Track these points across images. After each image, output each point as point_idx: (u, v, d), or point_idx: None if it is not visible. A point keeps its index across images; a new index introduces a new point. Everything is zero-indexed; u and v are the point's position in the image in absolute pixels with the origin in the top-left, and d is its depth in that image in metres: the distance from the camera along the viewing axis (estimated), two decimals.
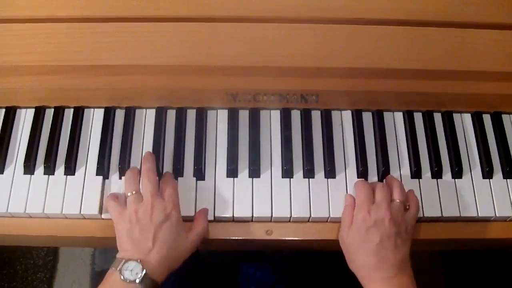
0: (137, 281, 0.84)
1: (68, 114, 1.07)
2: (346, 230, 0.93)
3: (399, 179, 1.02)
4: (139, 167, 1.00)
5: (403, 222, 0.92)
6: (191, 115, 1.07)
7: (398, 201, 0.93)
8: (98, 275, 1.79)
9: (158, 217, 0.89)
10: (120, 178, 1.01)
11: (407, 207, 0.95)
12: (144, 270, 0.85)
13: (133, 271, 0.85)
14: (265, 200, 0.99)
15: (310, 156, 1.03)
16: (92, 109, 1.08)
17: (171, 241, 0.89)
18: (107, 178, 1.02)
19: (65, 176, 1.01)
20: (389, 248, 0.88)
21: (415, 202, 0.96)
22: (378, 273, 0.88)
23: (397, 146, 1.05)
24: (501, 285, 1.69)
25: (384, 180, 1.01)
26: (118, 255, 0.90)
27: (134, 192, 0.93)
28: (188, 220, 0.95)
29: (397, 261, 0.88)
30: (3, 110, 1.07)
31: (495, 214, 1.00)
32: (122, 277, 0.84)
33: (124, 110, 1.07)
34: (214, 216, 0.98)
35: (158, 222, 0.89)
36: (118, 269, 0.85)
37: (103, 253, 1.84)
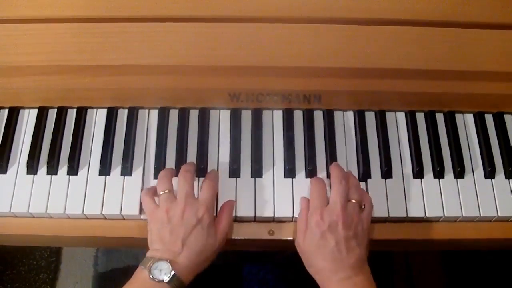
0: (166, 280, 0.85)
1: (71, 114, 1.07)
2: (301, 236, 0.93)
3: (402, 179, 1.02)
4: (141, 167, 1.02)
5: (358, 223, 0.91)
6: (193, 115, 1.07)
7: (353, 201, 0.92)
8: (101, 276, 1.79)
9: (190, 219, 0.89)
10: (122, 176, 1.02)
11: (363, 206, 0.94)
12: (173, 271, 0.85)
13: (163, 271, 0.85)
14: (268, 200, 0.99)
15: (312, 156, 1.03)
16: (95, 109, 1.08)
17: (200, 246, 0.89)
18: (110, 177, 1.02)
19: (68, 176, 1.01)
20: (344, 251, 0.88)
21: (369, 201, 0.96)
22: (334, 275, 0.88)
23: (399, 146, 1.06)
24: (502, 286, 1.69)
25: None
26: (148, 254, 0.90)
27: (166, 191, 0.93)
28: None
29: (353, 263, 0.88)
30: (7, 110, 1.08)
31: (497, 214, 1.00)
32: (151, 276, 0.85)
33: (127, 110, 1.08)
34: (216, 215, 0.98)
35: (189, 225, 0.89)
36: (147, 267, 0.86)
37: (106, 254, 1.83)
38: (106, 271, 1.79)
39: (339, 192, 0.92)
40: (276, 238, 0.99)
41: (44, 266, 1.86)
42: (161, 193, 0.93)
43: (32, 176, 1.01)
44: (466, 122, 1.09)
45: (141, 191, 0.99)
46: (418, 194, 1.01)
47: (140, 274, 0.87)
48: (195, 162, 1.02)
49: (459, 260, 1.73)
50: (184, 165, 0.97)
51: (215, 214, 0.97)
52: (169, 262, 0.86)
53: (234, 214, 0.98)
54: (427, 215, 0.99)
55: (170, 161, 1.02)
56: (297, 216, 0.97)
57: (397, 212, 0.99)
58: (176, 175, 0.96)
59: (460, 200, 1.01)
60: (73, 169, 1.01)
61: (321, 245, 0.89)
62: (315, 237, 0.89)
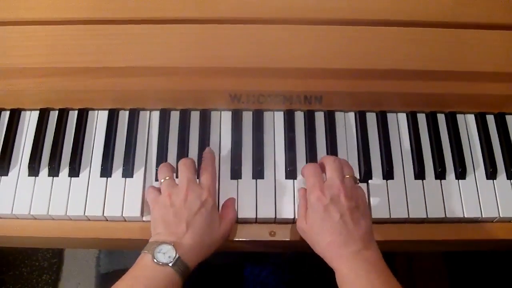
0: (170, 264, 0.83)
1: (73, 116, 1.08)
2: (302, 218, 0.92)
3: (403, 180, 1.02)
4: (143, 169, 1.02)
5: (358, 195, 0.91)
6: (195, 117, 1.07)
7: (348, 176, 0.92)
8: (103, 277, 1.79)
9: (193, 203, 0.89)
10: (123, 177, 1.02)
11: (357, 182, 0.94)
12: (177, 254, 0.84)
13: (166, 254, 0.84)
14: (269, 201, 0.99)
15: (313, 158, 1.03)
16: (96, 111, 1.08)
17: (205, 228, 0.89)
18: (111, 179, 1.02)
19: (69, 177, 1.01)
20: (351, 222, 0.86)
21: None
22: (344, 249, 0.85)
23: (401, 147, 1.05)
24: (504, 286, 1.68)
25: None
26: (151, 239, 0.89)
27: (167, 178, 0.94)
28: None
29: (361, 235, 0.86)
30: (8, 112, 1.08)
31: (499, 215, 1.00)
32: (154, 259, 0.83)
33: (128, 112, 1.08)
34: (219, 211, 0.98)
35: (193, 207, 0.89)
36: (150, 251, 0.85)
37: (108, 255, 1.84)
38: (108, 272, 1.79)
39: (334, 168, 0.92)
40: (277, 239, 0.99)
41: (46, 267, 1.86)
42: (162, 180, 0.94)
43: (33, 178, 1.01)
44: (468, 123, 1.09)
45: (142, 197, 1.00)
46: (420, 195, 1.01)
47: (143, 258, 0.86)
48: (196, 164, 1.01)
49: (461, 261, 1.72)
50: (184, 158, 0.97)
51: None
52: (173, 244, 0.85)
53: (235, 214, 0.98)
54: (429, 216, 0.99)
55: (172, 163, 1.02)
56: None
57: (398, 213, 0.99)
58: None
59: (461, 201, 1.01)
60: (74, 171, 1.01)
61: (325, 218, 0.87)
62: (318, 212, 0.88)
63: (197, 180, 0.96)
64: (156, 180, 1.01)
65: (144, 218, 0.99)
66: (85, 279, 1.83)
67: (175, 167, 0.99)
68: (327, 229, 0.87)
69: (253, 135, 1.05)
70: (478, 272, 1.71)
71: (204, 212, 0.89)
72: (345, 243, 0.86)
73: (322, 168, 0.94)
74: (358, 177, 0.95)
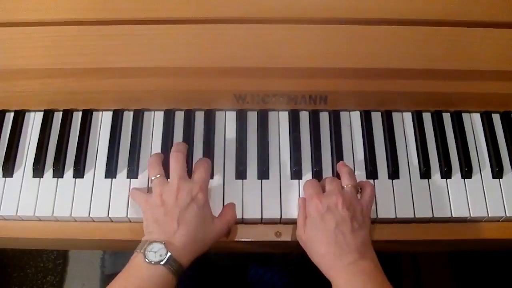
0: (162, 262, 0.83)
1: (77, 117, 1.07)
2: (301, 227, 0.92)
3: (409, 180, 1.01)
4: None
5: (357, 204, 0.90)
6: (199, 117, 1.07)
7: (349, 186, 0.92)
8: (108, 278, 1.79)
9: (184, 199, 0.88)
10: (128, 178, 1.01)
11: (359, 190, 0.94)
12: (169, 252, 0.84)
13: (157, 253, 0.83)
14: (274, 202, 0.99)
15: (319, 157, 1.02)
16: (100, 112, 1.08)
17: (197, 224, 0.88)
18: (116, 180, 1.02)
19: (74, 179, 1.01)
20: (347, 232, 0.86)
21: (369, 187, 0.95)
22: (340, 260, 0.85)
23: (406, 147, 1.05)
24: (510, 286, 1.68)
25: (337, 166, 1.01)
26: (143, 238, 0.88)
27: (158, 176, 0.93)
28: None
29: (357, 245, 0.86)
30: (12, 113, 1.08)
31: (505, 214, 0.99)
32: (146, 259, 0.83)
33: (132, 113, 1.07)
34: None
35: (184, 204, 0.88)
36: (142, 251, 0.84)
37: (113, 256, 1.84)
38: (113, 273, 1.78)
39: (333, 183, 0.92)
40: (283, 240, 0.98)
41: (51, 268, 1.87)
42: (153, 178, 0.93)
43: (38, 179, 1.01)
44: (473, 122, 1.08)
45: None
46: (426, 195, 1.00)
47: (136, 258, 0.85)
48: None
49: (467, 260, 1.72)
50: (175, 145, 0.97)
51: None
52: (165, 243, 0.85)
53: (241, 216, 0.98)
54: (435, 216, 0.98)
55: None
56: None
57: (404, 212, 0.99)
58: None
59: (467, 200, 1.00)
60: (79, 172, 1.01)
61: (322, 228, 0.87)
62: (316, 221, 0.88)
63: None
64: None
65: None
66: (89, 280, 1.83)
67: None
68: (323, 238, 0.87)
69: (258, 135, 1.05)
70: (484, 273, 1.71)
71: (196, 208, 0.89)
72: (340, 254, 0.86)
73: (323, 188, 0.95)
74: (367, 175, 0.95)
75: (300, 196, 1.00)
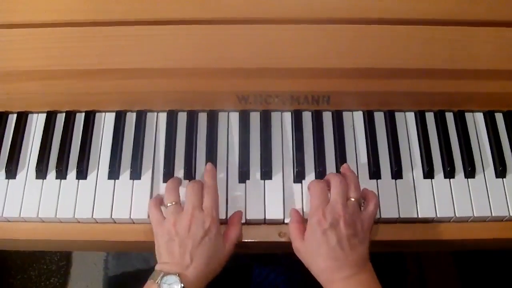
0: None
1: (80, 119, 1.07)
2: (298, 240, 0.93)
3: (412, 180, 1.01)
4: (150, 171, 1.01)
5: (358, 221, 0.91)
6: (202, 118, 1.07)
7: (353, 199, 0.92)
8: (111, 280, 1.79)
9: (197, 232, 0.89)
10: (131, 180, 1.02)
11: (362, 204, 0.95)
12: (182, 284, 0.85)
13: (172, 285, 0.85)
14: (277, 202, 0.99)
15: (322, 158, 1.02)
16: (103, 113, 1.08)
17: (209, 257, 0.90)
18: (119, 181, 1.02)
19: (77, 180, 1.01)
20: (347, 248, 0.88)
21: (373, 200, 0.95)
22: (337, 274, 0.87)
23: (409, 146, 1.05)
24: None
25: (341, 168, 1.00)
26: (157, 267, 0.90)
27: (174, 203, 0.93)
28: None
29: (355, 260, 0.88)
30: (15, 115, 1.08)
31: (509, 213, 0.99)
32: None
33: (135, 114, 1.08)
34: (226, 218, 0.98)
35: (197, 238, 0.89)
36: (156, 281, 0.86)
37: (116, 258, 1.83)
38: (116, 275, 1.79)
39: (338, 191, 0.92)
40: (286, 240, 0.98)
41: (54, 270, 1.87)
42: (169, 204, 0.94)
43: (41, 180, 1.01)
44: (476, 121, 1.08)
45: (150, 198, 0.99)
46: (429, 195, 1.00)
47: (150, 287, 0.87)
48: (203, 165, 1.01)
49: (471, 260, 1.72)
50: (192, 181, 0.97)
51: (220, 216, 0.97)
52: (178, 275, 0.86)
53: (244, 217, 0.98)
54: (438, 216, 0.98)
55: (179, 164, 1.02)
56: (307, 218, 0.97)
57: (407, 212, 0.99)
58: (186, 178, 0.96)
59: (471, 200, 1.00)
60: (82, 173, 1.01)
61: (323, 242, 0.88)
62: (317, 235, 0.89)
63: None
64: (164, 181, 1.01)
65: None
66: (93, 282, 1.83)
67: (182, 169, 1.00)
68: (323, 253, 0.89)
69: (261, 136, 1.05)
70: (488, 272, 1.71)
71: (208, 241, 0.90)
72: (338, 268, 0.88)
73: (328, 184, 0.95)
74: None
75: (304, 197, 1.00)
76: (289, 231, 0.96)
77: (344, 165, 1.00)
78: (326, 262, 0.88)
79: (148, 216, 0.97)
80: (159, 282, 0.86)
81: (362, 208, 0.94)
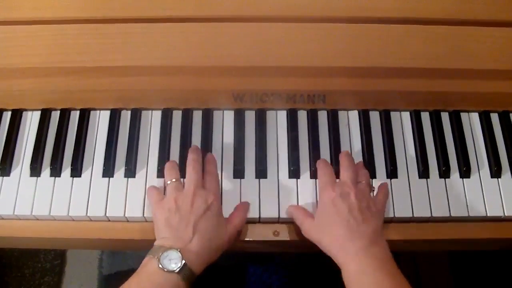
0: (176, 270, 0.82)
1: (74, 116, 1.07)
2: (307, 221, 0.92)
3: (407, 179, 1.02)
4: (145, 169, 1.02)
5: (370, 199, 0.91)
6: (197, 116, 1.07)
7: (363, 182, 0.93)
8: (106, 278, 1.79)
9: (199, 207, 0.88)
10: (125, 178, 1.01)
11: (372, 189, 0.95)
12: (184, 260, 0.83)
13: (173, 261, 0.83)
14: (272, 201, 0.99)
15: (317, 157, 1.02)
16: (98, 111, 1.08)
17: (211, 232, 0.88)
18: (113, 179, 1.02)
19: (71, 178, 1.01)
20: (359, 218, 0.86)
21: (383, 189, 0.96)
22: (351, 244, 0.85)
23: (405, 146, 1.05)
24: (509, 286, 1.68)
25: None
26: (156, 243, 0.88)
27: (174, 180, 0.93)
28: None
29: (369, 233, 0.86)
30: (10, 112, 1.08)
31: (504, 213, 0.99)
32: (160, 265, 0.82)
33: (130, 112, 1.07)
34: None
35: (199, 212, 0.88)
36: (156, 257, 0.83)
37: (111, 256, 1.83)
38: (111, 274, 1.79)
39: (348, 173, 0.93)
40: (281, 239, 0.98)
41: (48, 268, 1.86)
42: (169, 182, 0.93)
43: (35, 178, 1.01)
44: (472, 121, 1.08)
45: (145, 193, 0.99)
46: (424, 194, 1.00)
47: (149, 263, 0.84)
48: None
49: (466, 260, 1.72)
50: (191, 153, 0.97)
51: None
52: (180, 251, 0.84)
53: None
54: (433, 215, 0.98)
55: None
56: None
57: (402, 212, 0.99)
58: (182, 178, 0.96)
59: (466, 200, 1.00)
60: (76, 171, 1.01)
61: (333, 213, 0.88)
62: (327, 207, 0.89)
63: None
64: (158, 177, 1.01)
65: (146, 219, 0.98)
66: (87, 281, 1.83)
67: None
68: (335, 224, 0.87)
69: (256, 135, 1.05)
70: (483, 271, 1.71)
71: (210, 216, 0.89)
72: (351, 238, 0.86)
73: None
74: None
75: (299, 195, 1.00)
76: (294, 216, 0.95)
77: (360, 163, 1.01)
78: (338, 230, 0.86)
79: (143, 214, 0.97)
80: (159, 257, 0.83)
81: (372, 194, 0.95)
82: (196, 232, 0.87)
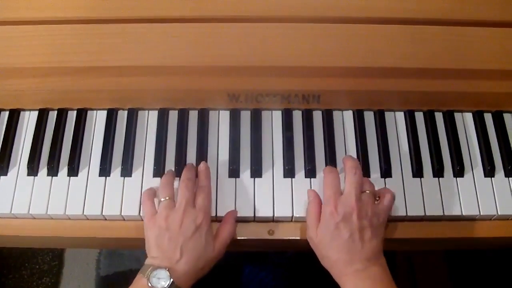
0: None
1: (71, 116, 1.08)
2: (314, 229, 0.92)
3: (401, 179, 1.02)
4: (141, 168, 1.02)
5: (373, 215, 0.91)
6: (193, 116, 1.08)
7: (368, 191, 0.93)
8: (103, 280, 1.80)
9: (188, 227, 0.90)
10: (122, 177, 1.02)
11: (377, 198, 0.95)
12: (171, 279, 0.86)
13: (161, 280, 0.86)
14: (267, 200, 1.00)
15: (311, 156, 1.03)
16: (95, 111, 1.08)
17: (199, 252, 0.90)
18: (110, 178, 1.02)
19: (68, 177, 1.02)
20: (359, 242, 0.88)
21: (388, 194, 0.95)
22: (349, 267, 0.87)
23: (399, 145, 1.06)
24: (503, 284, 1.68)
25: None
26: (146, 261, 0.90)
27: (167, 198, 0.94)
28: None
29: (368, 254, 0.88)
30: (7, 112, 1.08)
31: (497, 212, 1.00)
32: (149, 283, 0.86)
33: (126, 112, 1.08)
34: (216, 216, 0.98)
35: (188, 233, 0.90)
36: (146, 275, 0.87)
37: (108, 257, 1.84)
38: (109, 275, 1.79)
39: (353, 182, 0.92)
40: (276, 238, 0.99)
41: (46, 270, 1.87)
42: (162, 199, 0.94)
43: (32, 177, 1.02)
44: (465, 121, 1.09)
45: (142, 192, 0.99)
46: (418, 193, 1.01)
47: (139, 281, 0.88)
48: (194, 163, 1.02)
49: (461, 259, 1.72)
50: (185, 172, 0.97)
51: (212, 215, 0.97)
52: (168, 269, 0.87)
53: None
54: (427, 214, 0.99)
55: (170, 162, 1.03)
56: (296, 216, 0.98)
57: (396, 211, 0.99)
58: (178, 176, 0.97)
59: (459, 199, 1.01)
60: (73, 171, 1.02)
61: (335, 236, 0.89)
62: (329, 227, 0.89)
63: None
64: (154, 176, 1.02)
65: (142, 217, 0.98)
66: (85, 282, 1.83)
67: (173, 168, 1.01)
68: (336, 247, 0.89)
69: (251, 134, 1.05)
70: (478, 270, 1.71)
71: (199, 237, 0.90)
72: (350, 261, 0.88)
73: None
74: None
75: (293, 195, 1.00)
76: (306, 214, 0.96)
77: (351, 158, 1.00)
78: (338, 254, 0.88)
79: (139, 213, 0.98)
80: (148, 276, 0.86)
81: (376, 202, 0.94)
82: (184, 252, 0.89)
